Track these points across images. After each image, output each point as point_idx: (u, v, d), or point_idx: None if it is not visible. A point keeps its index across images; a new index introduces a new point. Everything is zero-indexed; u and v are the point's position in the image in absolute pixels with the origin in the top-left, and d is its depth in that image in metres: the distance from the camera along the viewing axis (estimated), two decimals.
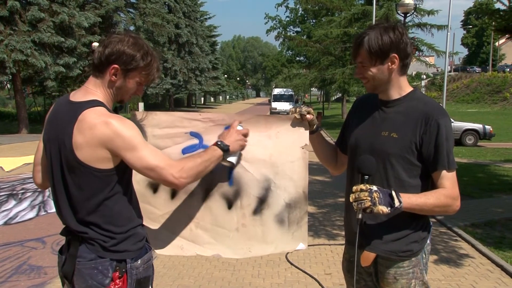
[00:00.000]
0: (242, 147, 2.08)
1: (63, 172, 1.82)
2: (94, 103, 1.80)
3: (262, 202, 2.16)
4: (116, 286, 1.82)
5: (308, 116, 2.10)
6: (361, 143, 2.06)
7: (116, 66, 1.83)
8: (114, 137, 1.73)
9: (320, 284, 4.32)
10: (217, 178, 2.18)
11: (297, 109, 2.12)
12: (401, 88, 2.02)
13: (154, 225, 2.20)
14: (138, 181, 2.15)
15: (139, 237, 1.91)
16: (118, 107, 2.02)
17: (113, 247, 1.83)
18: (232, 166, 2.10)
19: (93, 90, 1.87)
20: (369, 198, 1.81)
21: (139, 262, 1.88)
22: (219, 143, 1.97)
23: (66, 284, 1.91)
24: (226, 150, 1.97)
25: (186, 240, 2.19)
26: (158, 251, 2.19)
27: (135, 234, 1.89)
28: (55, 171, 1.85)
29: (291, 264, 4.82)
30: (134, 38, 1.88)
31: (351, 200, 1.86)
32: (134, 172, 2.15)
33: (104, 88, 1.87)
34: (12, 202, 7.52)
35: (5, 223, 6.38)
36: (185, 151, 2.18)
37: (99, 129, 1.73)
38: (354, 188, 1.86)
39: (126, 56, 1.83)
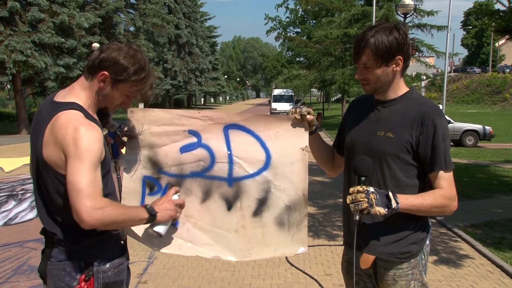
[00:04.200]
0: (173, 218, 1.98)
1: (37, 171, 1.81)
2: (71, 105, 1.76)
3: (262, 204, 2.13)
4: None
5: (308, 116, 2.08)
6: (357, 143, 2.05)
7: (105, 73, 1.79)
8: (71, 143, 1.66)
9: (320, 285, 4.31)
10: (217, 178, 2.15)
11: (297, 110, 2.09)
12: (399, 88, 2.01)
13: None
14: (134, 180, 2.13)
15: (110, 240, 1.86)
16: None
17: (81, 249, 1.80)
18: (160, 236, 1.97)
19: (77, 91, 1.83)
20: (366, 200, 1.80)
21: (107, 265, 1.83)
22: (148, 206, 1.87)
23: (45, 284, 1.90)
24: (152, 215, 1.85)
25: (184, 240, 2.15)
26: (155, 248, 2.15)
27: (105, 237, 1.84)
28: (33, 169, 1.84)
29: (291, 264, 4.81)
30: (133, 51, 1.84)
31: (348, 201, 1.85)
32: (130, 171, 2.14)
33: (90, 91, 1.83)
34: (12, 203, 7.51)
35: (5, 224, 6.38)
36: (183, 149, 2.14)
37: (64, 131, 1.69)
38: (351, 189, 1.86)
39: (118, 66, 1.79)
